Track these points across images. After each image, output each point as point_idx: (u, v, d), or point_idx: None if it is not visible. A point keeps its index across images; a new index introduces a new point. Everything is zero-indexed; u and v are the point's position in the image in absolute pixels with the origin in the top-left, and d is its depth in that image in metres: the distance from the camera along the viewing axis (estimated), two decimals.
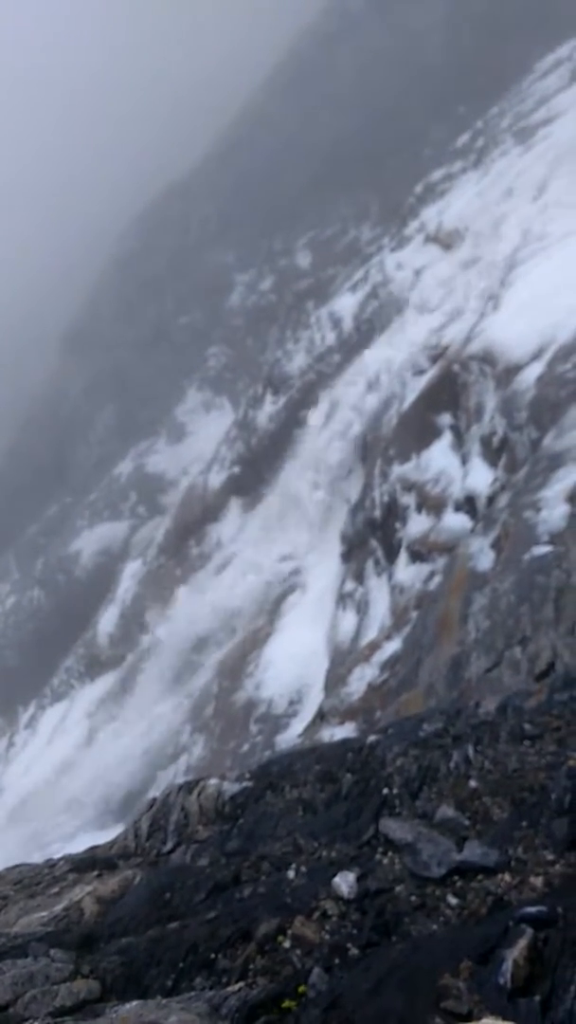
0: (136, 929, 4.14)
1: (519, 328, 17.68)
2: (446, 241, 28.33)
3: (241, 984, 3.21)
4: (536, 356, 16.46)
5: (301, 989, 3.10)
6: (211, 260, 50.19)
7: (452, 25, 45.42)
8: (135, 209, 57.04)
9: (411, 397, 21.58)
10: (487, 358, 18.18)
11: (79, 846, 6.73)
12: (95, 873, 5.13)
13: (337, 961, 3.30)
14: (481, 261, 24.49)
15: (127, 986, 3.54)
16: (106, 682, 31.83)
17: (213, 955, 3.56)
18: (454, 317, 23.21)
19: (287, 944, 3.46)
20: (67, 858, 5.81)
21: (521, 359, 16.86)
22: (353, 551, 21.90)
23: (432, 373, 21.29)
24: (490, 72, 39.73)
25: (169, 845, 5.31)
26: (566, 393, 14.74)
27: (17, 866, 6.06)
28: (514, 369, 16.85)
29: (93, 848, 6.02)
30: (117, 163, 63.66)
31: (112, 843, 5.89)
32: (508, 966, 2.70)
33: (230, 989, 3.17)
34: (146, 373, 48.21)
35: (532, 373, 16.17)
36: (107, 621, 33.83)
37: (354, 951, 3.35)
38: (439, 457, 18.45)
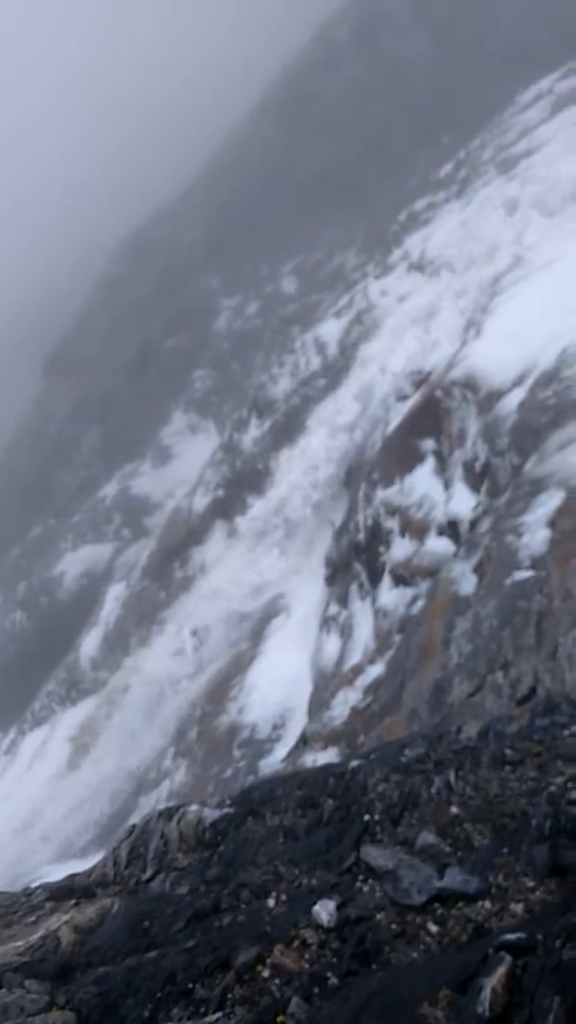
0: (113, 959, 4.08)
1: (501, 355, 17.89)
2: (429, 269, 28.70)
3: (219, 1014, 3.17)
4: (518, 382, 16.65)
5: (280, 1019, 3.07)
6: (198, 284, 50.53)
7: (436, 57, 46.36)
8: (123, 232, 57.44)
9: (395, 422, 21.74)
10: (469, 384, 18.36)
11: (58, 874, 6.64)
12: (73, 902, 5.06)
13: (316, 990, 3.27)
14: (463, 289, 24.81)
15: (103, 1017, 3.49)
16: (88, 706, 31.51)
17: (191, 985, 3.52)
18: (437, 343, 23.45)
19: (266, 973, 3.43)
20: (45, 886, 5.73)
21: (503, 385, 17.05)
22: (337, 574, 21.92)
23: (415, 399, 21.47)
24: (473, 103, 40.52)
25: (148, 873, 5.25)
26: (547, 419, 14.91)
27: None
28: (496, 395, 17.03)
29: (71, 876, 5.94)
30: (105, 187, 64.17)
31: (91, 871, 5.82)
32: (487, 994, 2.68)
33: (208, 1020, 3.14)
34: (132, 395, 48.27)
35: (514, 399, 16.35)
36: (90, 644, 33.57)
37: (333, 980, 3.32)
38: (422, 481, 18.57)
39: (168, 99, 61.51)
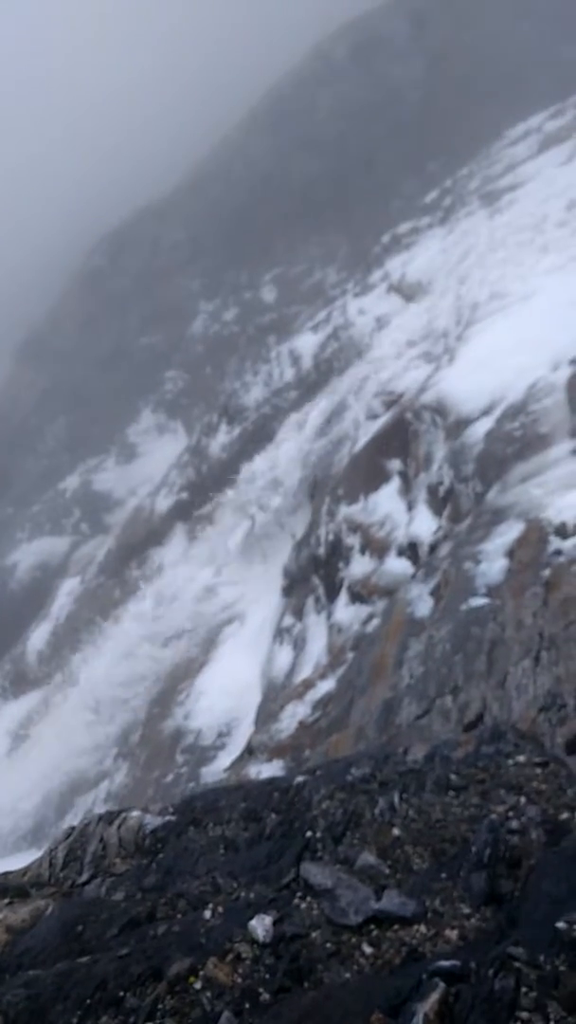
0: (44, 962, 4.03)
1: (472, 383, 18.15)
2: (408, 292, 29.03)
3: None
4: (486, 412, 16.91)
5: None
6: (177, 285, 50.40)
7: (430, 84, 47.05)
8: (106, 226, 57.08)
9: (363, 440, 21.88)
10: (439, 409, 18.58)
11: None
12: (5, 901, 4.99)
13: (248, 1005, 3.27)
14: (440, 315, 25.13)
15: (30, 1021, 3.44)
16: (31, 700, 31.02)
17: (122, 993, 3.49)
18: (410, 366, 23.70)
19: (198, 985, 3.42)
20: None
21: (471, 413, 17.30)
22: (294, 586, 21.93)
23: (385, 419, 21.65)
24: (462, 133, 41.19)
25: (85, 876, 5.20)
26: (512, 450, 15.16)
27: None
28: (464, 422, 17.26)
29: (5, 874, 5.85)
30: (92, 179, 63.76)
31: (25, 870, 5.74)
32: (419, 1020, 2.71)
33: None
34: (102, 390, 47.90)
35: (481, 428, 16.60)
36: (38, 638, 33.10)
37: (266, 996, 3.32)
38: (386, 501, 18.70)
39: (161, 102, 61.49)
